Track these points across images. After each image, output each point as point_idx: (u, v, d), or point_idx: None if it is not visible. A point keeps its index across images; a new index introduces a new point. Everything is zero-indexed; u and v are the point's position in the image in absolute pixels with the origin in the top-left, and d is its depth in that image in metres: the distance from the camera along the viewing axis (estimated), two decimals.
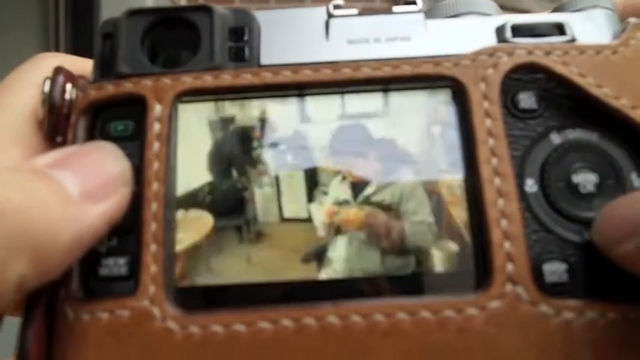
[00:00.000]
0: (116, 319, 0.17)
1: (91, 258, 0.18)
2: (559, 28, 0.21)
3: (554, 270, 0.18)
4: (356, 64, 0.20)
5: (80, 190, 0.17)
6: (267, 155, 0.20)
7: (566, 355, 0.17)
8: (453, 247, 0.18)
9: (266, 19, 0.21)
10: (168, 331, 0.17)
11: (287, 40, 0.21)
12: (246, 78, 0.19)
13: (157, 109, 0.19)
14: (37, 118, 0.20)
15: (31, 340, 0.17)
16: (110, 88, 0.20)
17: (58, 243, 0.16)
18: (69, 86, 0.20)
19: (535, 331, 0.17)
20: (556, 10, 0.22)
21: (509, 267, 0.17)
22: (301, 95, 0.20)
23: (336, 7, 0.21)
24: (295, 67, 0.20)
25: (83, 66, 0.22)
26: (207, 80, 0.19)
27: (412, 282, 0.18)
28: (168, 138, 0.19)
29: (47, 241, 0.16)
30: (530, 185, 0.19)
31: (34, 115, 0.20)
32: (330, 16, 0.21)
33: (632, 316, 0.17)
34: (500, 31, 0.21)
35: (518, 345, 0.17)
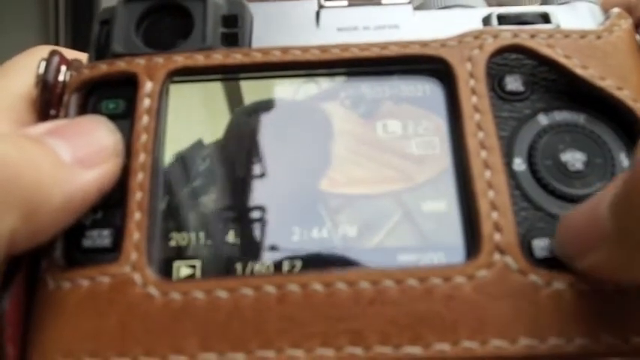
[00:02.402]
0: (96, 285, 0.17)
1: (74, 230, 0.18)
2: (544, 17, 0.21)
3: (544, 245, 0.17)
4: (344, 45, 0.20)
5: (72, 156, 0.17)
6: (258, 136, 0.20)
7: (556, 326, 0.16)
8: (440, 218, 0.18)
9: (259, 9, 0.22)
10: (148, 297, 0.17)
11: (278, 29, 0.22)
12: (237, 57, 0.20)
13: (147, 85, 0.19)
14: (31, 99, 0.21)
15: (8, 306, 0.17)
16: (103, 67, 0.20)
17: (49, 202, 0.16)
18: (63, 68, 0.20)
19: (525, 300, 0.16)
20: (542, 3, 0.23)
21: (497, 236, 0.17)
22: (290, 76, 0.20)
23: None
24: (285, 48, 0.20)
25: (80, 57, 0.22)
26: (199, 59, 0.20)
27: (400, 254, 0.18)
28: (158, 113, 0.19)
29: (38, 198, 0.16)
30: (519, 164, 0.19)
31: (28, 96, 0.21)
32: (320, 6, 0.22)
33: (628, 290, 0.17)
34: (486, 20, 0.21)
35: (508, 314, 0.16)
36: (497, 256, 0.17)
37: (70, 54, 0.23)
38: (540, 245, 0.18)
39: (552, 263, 0.17)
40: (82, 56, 0.22)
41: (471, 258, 0.17)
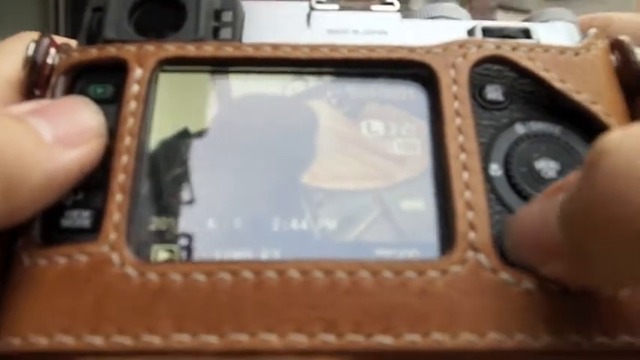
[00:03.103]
0: (73, 263, 0.17)
1: (54, 209, 0.18)
2: (525, 33, 0.22)
3: None
4: (334, 45, 0.20)
5: (53, 135, 0.17)
6: (243, 128, 0.20)
7: (524, 324, 0.17)
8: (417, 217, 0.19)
9: (251, 7, 0.22)
10: (125, 277, 0.17)
11: (269, 28, 0.22)
12: (228, 50, 0.20)
13: (137, 72, 0.20)
14: (18, 82, 0.21)
15: None
16: (93, 52, 0.20)
17: (29, 181, 0.16)
18: (52, 51, 0.21)
19: (495, 297, 0.17)
20: (524, 21, 0.24)
21: (472, 235, 0.18)
22: (279, 72, 0.21)
23: (318, 2, 0.23)
24: (276, 44, 0.20)
25: (71, 43, 0.23)
26: (190, 50, 0.20)
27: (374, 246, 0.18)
28: (146, 99, 0.19)
29: (18, 176, 0.16)
30: (495, 169, 0.20)
31: (15, 78, 0.21)
32: (312, 9, 0.22)
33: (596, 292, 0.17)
34: (471, 32, 0.22)
35: (478, 309, 0.17)
36: (470, 254, 0.17)
37: (62, 40, 0.23)
38: None
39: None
40: (74, 43, 0.23)
41: (445, 254, 0.17)
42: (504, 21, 0.23)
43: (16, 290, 0.17)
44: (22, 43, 0.21)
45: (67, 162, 0.17)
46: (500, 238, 0.18)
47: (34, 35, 0.22)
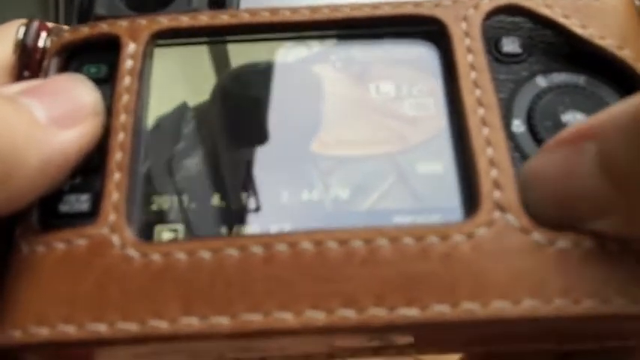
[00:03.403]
0: (72, 248, 0.16)
1: (52, 195, 0.17)
2: None
3: None
4: (335, 5, 0.19)
5: (47, 115, 0.16)
6: (246, 99, 0.19)
7: (560, 286, 0.15)
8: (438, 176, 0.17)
9: None
10: (127, 259, 0.16)
11: None
12: (223, 18, 0.19)
13: (130, 47, 0.19)
14: (9, 67, 0.20)
15: None
16: (85, 30, 0.19)
17: (25, 165, 0.15)
18: (44, 34, 0.20)
19: (528, 260, 0.15)
20: None
21: (497, 194, 0.16)
22: (279, 38, 0.19)
23: None
24: (274, 9, 0.19)
25: (62, 26, 0.22)
26: (184, 20, 0.19)
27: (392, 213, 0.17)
28: (141, 75, 0.18)
29: (13, 161, 0.15)
30: (518, 125, 0.18)
31: (6, 64, 0.20)
32: None
33: (635, 247, 0.16)
34: None
35: (510, 274, 0.15)
36: (497, 214, 0.16)
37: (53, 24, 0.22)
38: None
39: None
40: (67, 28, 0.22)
41: (470, 216, 0.16)
42: None
43: (15, 280, 0.16)
44: (11, 30, 0.20)
45: (63, 143, 0.16)
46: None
47: (22, 21, 0.21)
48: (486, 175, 0.16)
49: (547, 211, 0.16)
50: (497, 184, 0.16)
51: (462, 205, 0.17)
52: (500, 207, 0.16)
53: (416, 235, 0.16)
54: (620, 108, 0.14)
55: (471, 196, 0.17)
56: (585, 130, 0.15)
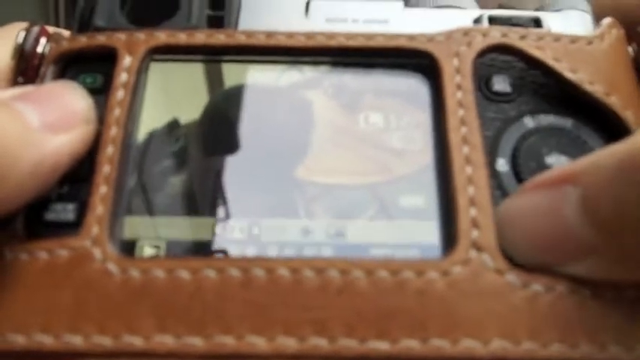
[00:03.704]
0: (54, 258, 0.16)
1: (38, 202, 0.17)
2: (536, 22, 0.21)
3: None
4: (331, 33, 0.19)
5: (40, 120, 0.17)
6: (235, 120, 0.19)
7: (530, 329, 0.15)
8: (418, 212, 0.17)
9: None
10: (106, 274, 0.16)
11: (266, 17, 0.21)
12: (220, 38, 0.19)
13: (126, 60, 0.19)
14: (7, 74, 0.20)
15: None
16: (83, 40, 0.20)
17: (17, 168, 0.16)
18: (43, 40, 0.20)
19: (499, 300, 0.16)
20: (537, 10, 0.23)
21: (475, 233, 0.16)
22: (274, 61, 0.20)
23: None
24: (270, 32, 0.20)
25: (63, 32, 0.22)
26: (181, 37, 0.19)
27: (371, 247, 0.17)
28: (135, 89, 0.19)
29: (5, 164, 0.15)
30: (502, 164, 0.18)
31: (5, 68, 0.20)
32: None
33: (607, 295, 0.16)
34: (477, 21, 0.21)
35: (481, 314, 0.15)
36: (473, 253, 0.16)
37: (54, 29, 0.22)
38: None
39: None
40: (68, 33, 0.22)
41: (447, 254, 0.16)
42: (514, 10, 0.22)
43: None
44: (12, 32, 0.21)
45: (55, 148, 0.17)
46: None
47: (23, 25, 0.22)
48: (465, 214, 0.17)
49: (524, 251, 0.16)
50: (475, 223, 0.17)
51: (440, 241, 0.17)
52: (477, 246, 0.16)
53: (392, 269, 0.16)
54: (606, 155, 0.15)
55: (449, 233, 0.17)
56: (566, 175, 0.15)
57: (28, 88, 0.18)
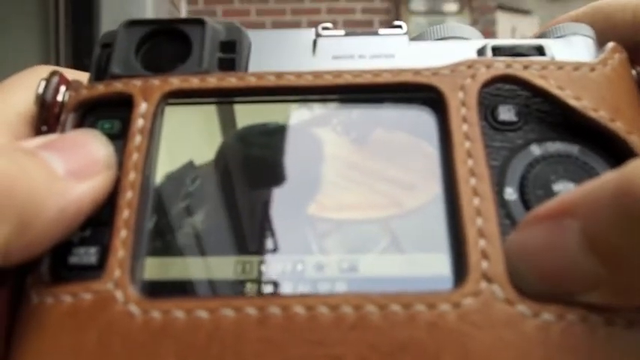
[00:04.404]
0: (78, 302, 0.17)
1: (62, 246, 0.18)
2: (539, 50, 0.21)
3: None
4: (337, 71, 0.20)
5: (65, 168, 0.18)
6: (249, 160, 0.20)
7: (543, 358, 0.16)
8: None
9: (257, 37, 0.22)
10: (129, 315, 0.17)
11: (275, 56, 0.22)
12: (231, 81, 0.20)
13: (142, 106, 0.20)
14: (29, 117, 0.21)
15: None
16: (101, 88, 0.20)
17: (43, 215, 0.16)
18: (62, 88, 0.21)
19: (511, 331, 0.16)
20: (538, 37, 0.23)
21: (484, 264, 0.17)
22: (284, 101, 0.20)
23: (325, 28, 0.22)
24: (279, 73, 0.20)
25: (81, 77, 0.23)
26: (194, 82, 0.20)
27: (384, 281, 0.17)
28: (151, 133, 0.19)
29: (32, 211, 0.16)
30: (510, 193, 0.19)
31: (27, 113, 0.21)
32: (318, 35, 0.22)
33: (619, 322, 0.16)
34: (481, 52, 0.21)
35: (492, 345, 0.16)
36: (484, 285, 0.16)
37: (72, 74, 0.23)
38: None
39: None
40: (84, 76, 0.23)
41: (458, 286, 0.17)
42: (517, 39, 0.22)
43: (24, 329, 0.17)
44: (34, 78, 0.22)
45: (79, 195, 0.18)
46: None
47: (45, 70, 0.23)
48: (475, 246, 0.17)
49: (533, 283, 0.16)
50: (485, 255, 0.17)
51: (451, 273, 0.17)
52: (487, 278, 0.17)
53: (403, 303, 0.16)
54: (600, 185, 0.15)
55: (459, 265, 0.17)
56: (564, 207, 0.16)
57: (52, 137, 0.19)
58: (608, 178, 0.15)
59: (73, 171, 0.18)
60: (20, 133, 0.21)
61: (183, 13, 2.16)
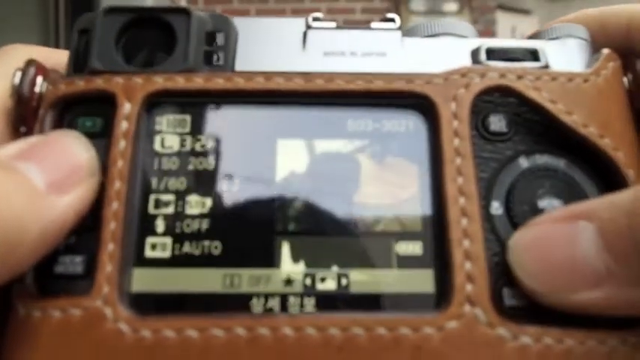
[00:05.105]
0: (68, 317, 0.17)
1: (47, 255, 0.18)
2: (533, 54, 0.21)
3: (514, 293, 0.18)
4: (329, 75, 0.19)
5: (46, 181, 0.17)
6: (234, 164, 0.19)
7: None
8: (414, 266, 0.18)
9: (245, 25, 0.21)
10: (119, 334, 0.17)
11: (263, 48, 0.21)
12: (218, 83, 0.19)
13: (126, 107, 0.19)
14: (5, 109, 0.20)
15: None
16: (81, 84, 0.19)
17: (25, 238, 0.16)
18: (39, 79, 0.20)
19: (491, 353, 0.17)
20: (532, 37, 0.22)
21: (469, 288, 0.17)
22: (272, 103, 0.20)
23: (315, 19, 0.21)
24: (268, 74, 0.20)
25: (59, 58, 0.22)
26: (179, 82, 0.19)
27: (372, 298, 0.18)
28: (135, 137, 0.19)
29: (14, 236, 0.16)
30: (496, 207, 0.19)
31: (3, 106, 0.20)
32: (308, 27, 0.21)
33: (590, 344, 0.17)
34: (475, 54, 0.21)
35: None
36: (467, 308, 0.17)
37: (48, 54, 0.22)
38: (510, 293, 0.18)
39: (521, 312, 0.18)
40: (62, 55, 0.22)
41: (442, 308, 0.17)
42: (511, 39, 0.22)
43: (13, 343, 0.17)
44: (8, 64, 0.21)
45: (62, 209, 0.17)
46: (498, 283, 0.18)
47: (17, 53, 0.21)
48: (461, 269, 0.17)
49: (537, 277, 0.17)
50: (470, 278, 0.17)
51: (436, 291, 0.18)
52: (471, 300, 0.17)
53: (389, 326, 0.17)
54: (619, 196, 0.17)
55: (444, 286, 0.18)
56: (579, 212, 0.17)
57: (31, 142, 0.18)
58: (626, 192, 0.17)
59: (54, 183, 0.17)
60: None
61: None
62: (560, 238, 0.17)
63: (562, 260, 0.17)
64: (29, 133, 0.19)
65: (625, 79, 0.21)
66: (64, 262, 0.18)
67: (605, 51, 0.21)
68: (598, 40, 0.22)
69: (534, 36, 0.22)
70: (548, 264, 0.17)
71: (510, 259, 0.18)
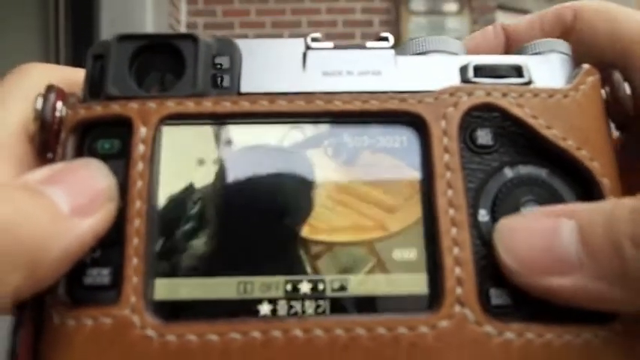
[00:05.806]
0: (99, 326, 0.19)
1: (76, 267, 0.20)
2: (517, 70, 0.22)
3: (500, 293, 0.20)
4: (328, 96, 0.21)
5: (70, 205, 0.19)
6: (245, 182, 0.21)
7: None
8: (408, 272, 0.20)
9: (248, 48, 0.23)
10: (146, 339, 0.19)
11: (266, 69, 0.23)
12: (226, 106, 0.21)
13: (142, 131, 0.21)
14: (28, 133, 0.22)
15: (20, 342, 0.19)
16: (99, 109, 0.21)
17: (50, 256, 0.18)
18: (59, 104, 0.21)
19: (478, 348, 0.19)
20: (517, 52, 0.24)
21: (459, 290, 0.19)
22: (277, 123, 0.21)
23: (314, 39, 0.23)
24: (272, 96, 0.21)
25: (72, 76, 0.23)
26: (190, 106, 0.21)
27: (371, 300, 0.20)
28: (152, 159, 0.21)
29: (39, 255, 0.17)
30: (483, 215, 0.21)
31: (25, 129, 0.22)
32: (307, 48, 0.23)
33: (566, 337, 0.19)
34: (463, 71, 0.23)
35: None
36: (457, 308, 0.19)
37: (62, 72, 0.23)
38: (496, 293, 0.20)
39: (506, 310, 0.20)
40: (75, 73, 0.23)
41: (435, 309, 0.19)
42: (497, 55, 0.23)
43: (50, 348, 0.19)
44: (24, 86, 0.22)
45: (83, 232, 0.19)
46: (485, 284, 0.20)
47: (35, 73, 0.23)
48: (451, 273, 0.19)
49: (517, 258, 0.19)
50: (459, 281, 0.19)
51: (429, 293, 0.20)
52: (460, 301, 0.19)
53: (388, 326, 0.19)
54: (600, 205, 0.19)
55: (436, 289, 0.20)
56: (562, 211, 0.19)
57: (56, 168, 0.19)
58: (607, 201, 0.20)
59: (77, 207, 0.19)
60: (19, 149, 0.21)
61: (183, 13, 2.10)
62: (542, 228, 0.19)
63: (541, 245, 0.19)
64: (54, 159, 0.21)
65: (603, 91, 0.22)
66: (91, 275, 0.20)
67: (585, 66, 0.22)
68: (578, 52, 0.23)
69: (519, 51, 0.24)
70: (527, 245, 0.19)
71: (494, 236, 0.20)
